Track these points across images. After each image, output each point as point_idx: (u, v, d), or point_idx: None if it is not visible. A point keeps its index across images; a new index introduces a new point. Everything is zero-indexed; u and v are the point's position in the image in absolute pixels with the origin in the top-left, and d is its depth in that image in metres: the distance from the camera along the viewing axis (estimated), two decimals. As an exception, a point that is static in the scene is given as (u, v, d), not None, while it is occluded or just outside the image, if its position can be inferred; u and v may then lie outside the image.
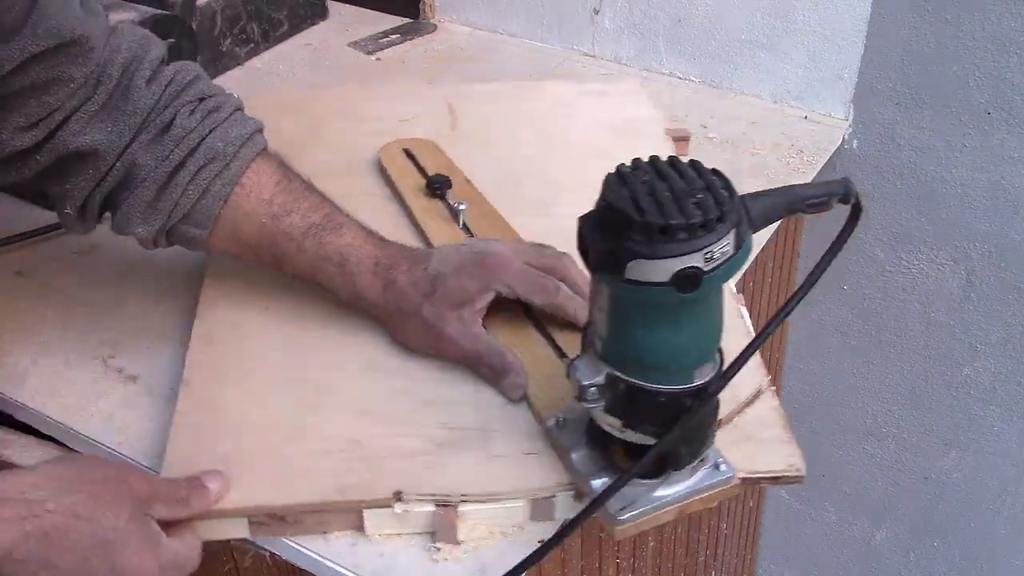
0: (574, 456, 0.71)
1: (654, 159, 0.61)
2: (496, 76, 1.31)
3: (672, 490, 0.69)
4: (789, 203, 0.63)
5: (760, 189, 0.63)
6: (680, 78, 1.33)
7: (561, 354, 0.80)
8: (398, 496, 0.70)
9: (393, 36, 1.46)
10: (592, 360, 0.65)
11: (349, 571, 0.70)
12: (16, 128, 0.74)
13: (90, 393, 0.84)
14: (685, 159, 0.61)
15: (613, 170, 0.60)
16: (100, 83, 0.75)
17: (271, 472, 0.72)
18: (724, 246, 0.58)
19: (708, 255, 0.57)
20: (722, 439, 0.71)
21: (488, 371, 0.79)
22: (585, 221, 0.61)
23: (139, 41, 0.78)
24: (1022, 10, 1.08)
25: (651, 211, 0.57)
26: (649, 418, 0.65)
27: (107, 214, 0.82)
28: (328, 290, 0.83)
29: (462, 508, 0.71)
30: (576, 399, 0.65)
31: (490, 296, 0.80)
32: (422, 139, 1.08)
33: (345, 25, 1.50)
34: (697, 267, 0.57)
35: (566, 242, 0.86)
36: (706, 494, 0.70)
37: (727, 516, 1.23)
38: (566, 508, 0.72)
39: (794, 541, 1.63)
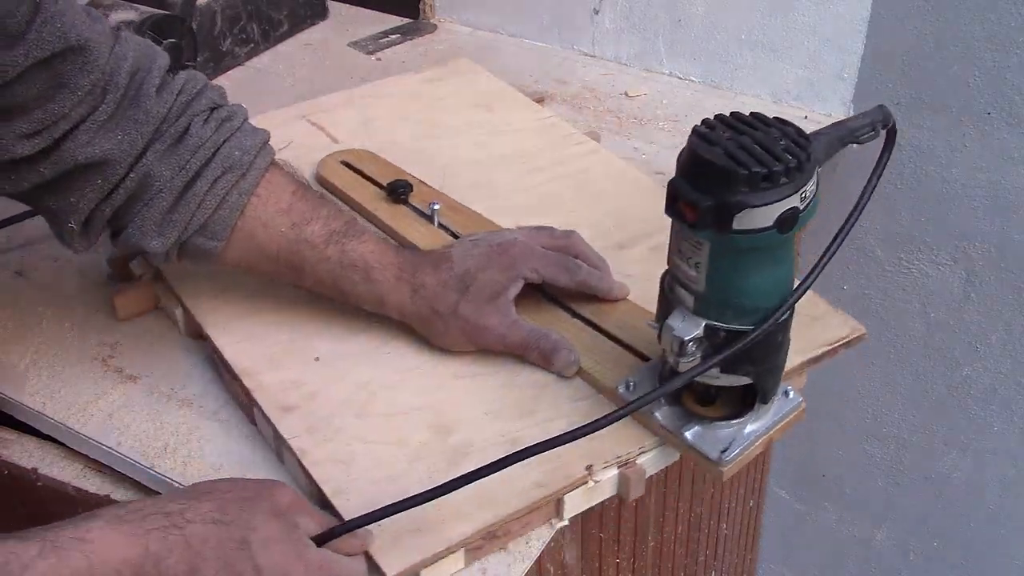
0: (658, 415, 0.75)
1: (721, 116, 0.65)
2: (497, 76, 1.30)
3: (759, 424, 0.74)
4: (842, 136, 0.70)
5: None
6: (680, 78, 1.33)
7: (593, 326, 0.84)
8: (590, 470, 0.73)
9: (393, 36, 1.46)
10: (685, 316, 0.68)
11: (349, 571, 0.70)
12: (19, 135, 0.71)
13: (90, 393, 0.84)
14: (746, 113, 0.65)
15: (697, 128, 0.64)
16: (107, 91, 0.73)
17: (462, 496, 0.69)
18: (813, 184, 0.64)
19: (803, 195, 0.63)
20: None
21: (538, 354, 0.81)
22: (678, 184, 0.63)
23: (144, 50, 0.76)
24: (1022, 10, 1.08)
25: (751, 162, 0.61)
26: (746, 359, 0.69)
27: (106, 231, 0.79)
28: (350, 297, 0.82)
29: (640, 460, 0.75)
30: (675, 356, 0.68)
31: (520, 284, 0.82)
32: (358, 150, 1.07)
33: (345, 25, 1.50)
34: (796, 207, 0.62)
35: (520, 218, 0.93)
36: (785, 421, 0.75)
37: (727, 516, 1.23)
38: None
39: (794, 541, 1.63)
